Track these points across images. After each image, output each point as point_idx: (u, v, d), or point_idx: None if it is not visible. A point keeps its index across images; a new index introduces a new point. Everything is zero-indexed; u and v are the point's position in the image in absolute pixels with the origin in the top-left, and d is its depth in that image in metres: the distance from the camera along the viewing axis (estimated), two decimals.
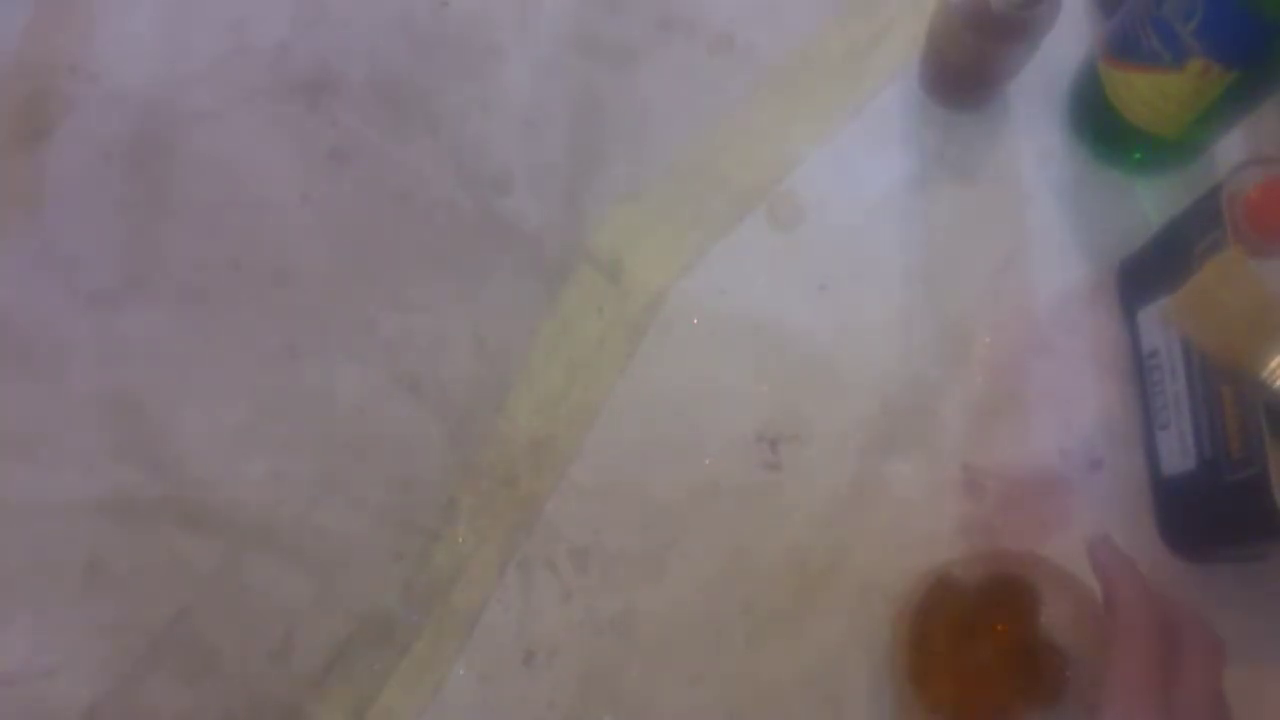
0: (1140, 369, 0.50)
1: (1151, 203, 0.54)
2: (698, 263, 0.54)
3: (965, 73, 0.53)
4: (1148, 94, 0.48)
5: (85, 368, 0.53)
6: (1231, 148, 0.54)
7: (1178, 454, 0.47)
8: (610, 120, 0.57)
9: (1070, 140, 0.56)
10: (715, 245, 0.55)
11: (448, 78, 0.58)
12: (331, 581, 0.50)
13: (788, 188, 0.55)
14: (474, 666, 0.49)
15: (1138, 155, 0.53)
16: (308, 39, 0.58)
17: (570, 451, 0.52)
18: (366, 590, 0.50)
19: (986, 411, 0.52)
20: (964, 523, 0.50)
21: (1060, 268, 0.54)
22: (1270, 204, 0.42)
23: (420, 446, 0.52)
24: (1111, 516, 0.50)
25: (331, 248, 0.55)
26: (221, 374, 0.53)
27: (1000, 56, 0.51)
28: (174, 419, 0.52)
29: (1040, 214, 0.55)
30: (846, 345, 0.53)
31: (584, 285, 0.54)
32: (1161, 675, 0.35)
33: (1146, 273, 0.51)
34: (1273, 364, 0.38)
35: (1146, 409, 0.50)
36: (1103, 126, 0.53)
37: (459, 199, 0.56)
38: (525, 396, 0.53)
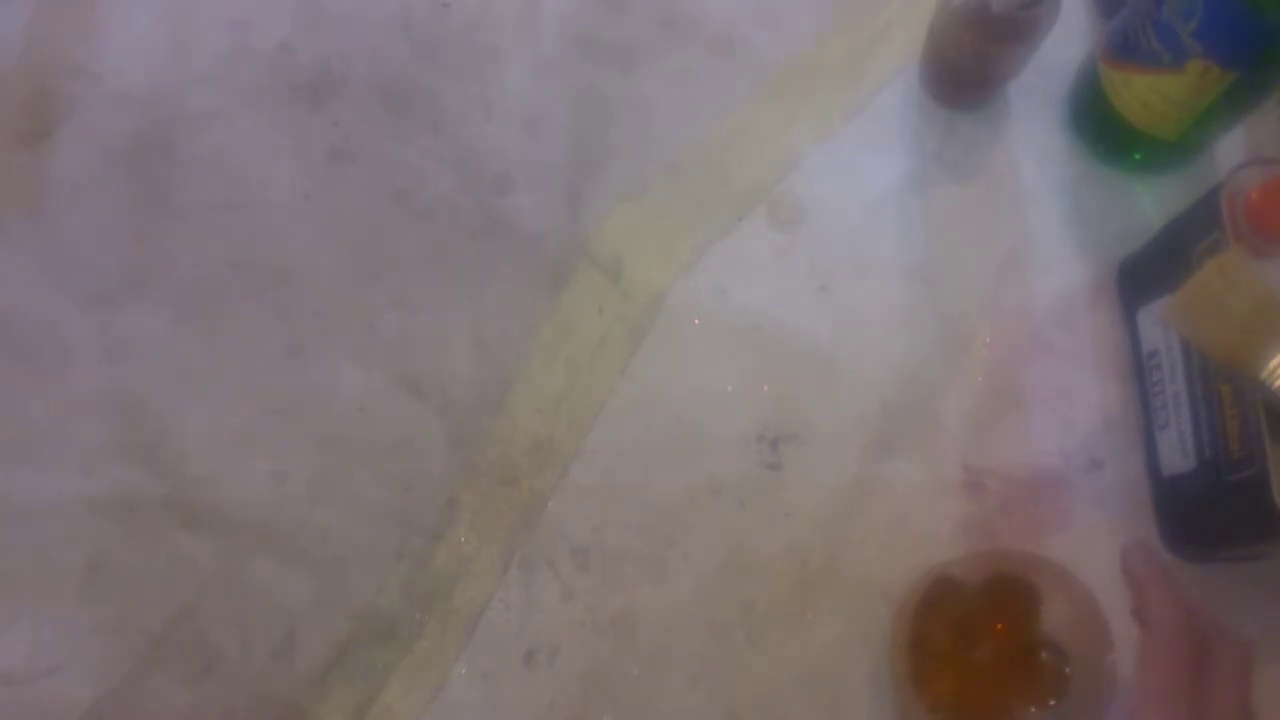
0: (1140, 369, 0.50)
1: (1151, 203, 0.54)
2: (698, 263, 0.54)
3: (965, 73, 0.53)
4: (1147, 95, 0.48)
5: (86, 368, 0.53)
6: (1231, 148, 0.54)
7: (1177, 454, 0.47)
8: (610, 120, 0.57)
9: (1070, 141, 0.56)
10: (715, 245, 0.55)
11: (448, 78, 0.58)
12: (332, 581, 0.50)
13: (788, 188, 0.56)
14: (475, 666, 0.49)
15: (1137, 156, 0.53)
16: (309, 39, 0.58)
17: (571, 451, 0.52)
18: (367, 590, 0.50)
19: (986, 411, 0.52)
20: (964, 522, 0.50)
21: (1060, 268, 0.54)
22: (1270, 205, 0.42)
23: (421, 446, 0.52)
24: (1111, 517, 0.50)
25: (332, 248, 0.55)
26: (222, 374, 0.53)
27: (1000, 57, 0.51)
28: (174, 419, 0.52)
29: (1040, 214, 0.55)
30: (846, 345, 0.53)
31: (584, 285, 0.54)
32: (1192, 685, 0.35)
33: (1146, 273, 0.51)
34: (1272, 364, 0.38)
35: (1146, 409, 0.50)
36: (1103, 127, 0.53)
37: (459, 199, 0.56)
38: (525, 396, 0.53)
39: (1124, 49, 0.49)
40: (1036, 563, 0.46)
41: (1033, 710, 0.44)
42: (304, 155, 0.56)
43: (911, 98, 0.57)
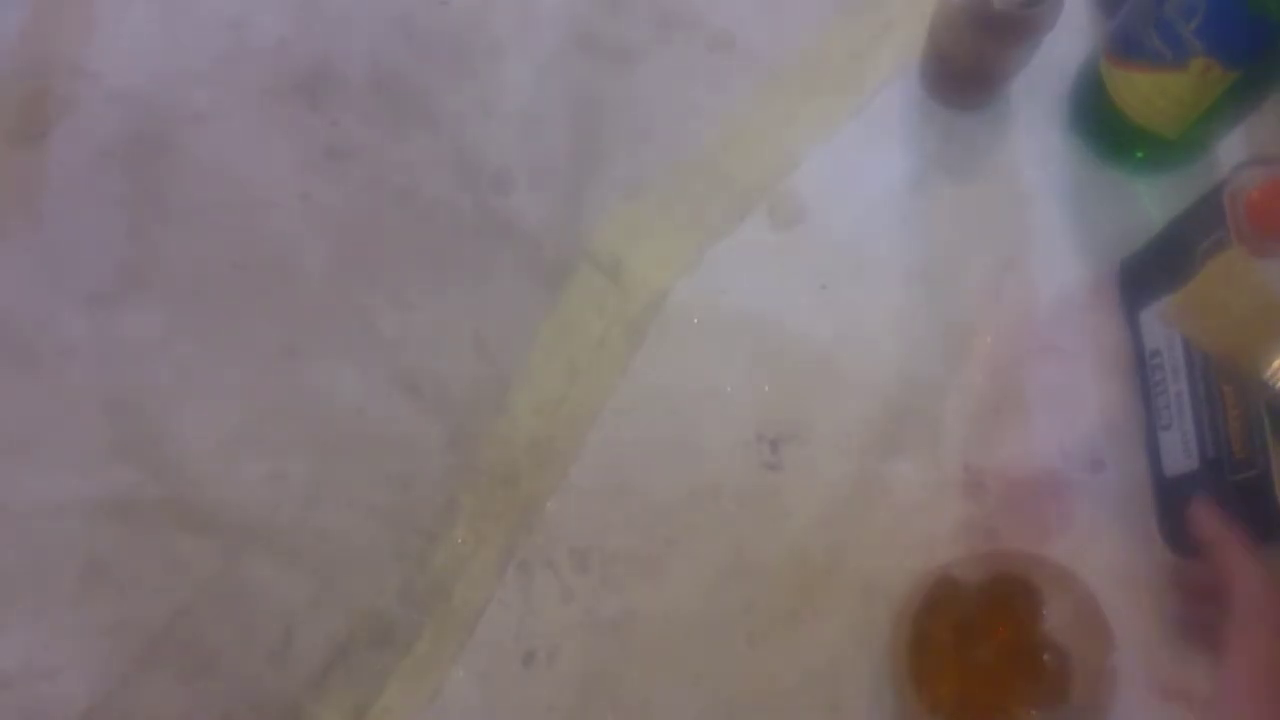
0: (1142, 369, 0.50)
1: (1153, 202, 0.54)
2: (698, 262, 0.54)
3: (967, 72, 0.53)
4: (1150, 93, 0.48)
5: (84, 368, 0.53)
6: (1233, 147, 0.54)
7: (1180, 454, 0.47)
8: (610, 120, 0.57)
9: (1072, 140, 0.56)
10: (716, 245, 0.55)
11: (447, 77, 0.57)
12: (331, 582, 0.50)
13: (788, 187, 0.55)
14: (474, 667, 0.49)
15: (1139, 154, 0.53)
16: (307, 38, 0.58)
17: (570, 451, 0.51)
18: (366, 590, 0.50)
19: (988, 412, 0.52)
20: (965, 523, 0.50)
21: (1062, 267, 0.54)
22: (1272, 204, 0.41)
23: (420, 446, 0.52)
24: (1113, 517, 0.50)
25: (331, 247, 0.55)
26: (221, 374, 0.53)
27: (1002, 56, 0.51)
28: (173, 419, 0.52)
29: (1042, 214, 0.55)
30: (847, 345, 0.53)
31: (584, 285, 0.54)
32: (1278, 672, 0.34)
33: (1148, 272, 0.51)
34: (1275, 364, 0.38)
35: (1148, 409, 0.50)
36: (1104, 126, 0.53)
37: (459, 199, 0.56)
38: (525, 396, 0.52)
39: (1126, 47, 0.49)
40: (1038, 563, 0.46)
41: (1034, 712, 0.44)
42: (302, 154, 0.56)
43: (912, 97, 0.57)
